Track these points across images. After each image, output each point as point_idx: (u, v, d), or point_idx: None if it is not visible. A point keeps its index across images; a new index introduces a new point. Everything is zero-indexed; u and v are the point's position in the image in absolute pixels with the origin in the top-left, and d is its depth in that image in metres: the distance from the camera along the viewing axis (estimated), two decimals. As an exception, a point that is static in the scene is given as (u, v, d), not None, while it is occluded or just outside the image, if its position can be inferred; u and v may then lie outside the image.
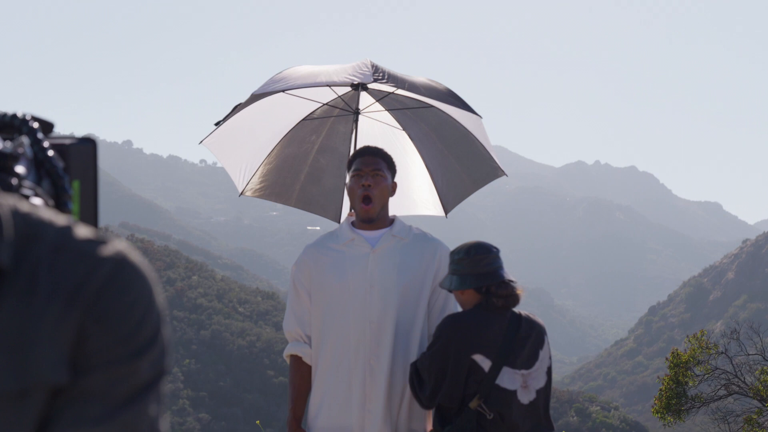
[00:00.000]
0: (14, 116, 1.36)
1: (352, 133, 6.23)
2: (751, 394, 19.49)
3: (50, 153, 1.33)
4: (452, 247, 4.61)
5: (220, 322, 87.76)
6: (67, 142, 1.40)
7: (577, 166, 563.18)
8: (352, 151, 6.00)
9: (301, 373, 4.59)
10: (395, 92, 6.00)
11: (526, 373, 4.46)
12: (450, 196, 6.33)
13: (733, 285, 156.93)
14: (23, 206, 1.22)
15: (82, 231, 1.25)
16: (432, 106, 6.04)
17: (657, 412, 19.29)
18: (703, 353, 19.20)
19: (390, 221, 4.65)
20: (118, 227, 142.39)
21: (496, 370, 4.41)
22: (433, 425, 4.44)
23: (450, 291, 4.49)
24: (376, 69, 5.43)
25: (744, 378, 19.71)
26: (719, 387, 19.57)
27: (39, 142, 1.33)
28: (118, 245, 1.25)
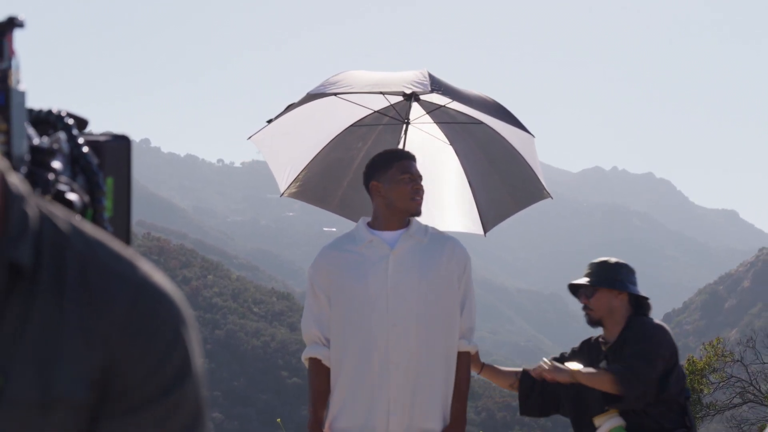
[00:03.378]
0: (50, 112, 1.36)
1: (399, 142, 6.21)
2: (766, 403, 19.43)
3: (85, 149, 1.35)
4: (467, 250, 4.76)
5: (235, 321, 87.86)
6: (102, 139, 1.41)
7: (595, 171, 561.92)
8: None
9: (321, 376, 4.61)
10: (446, 106, 6.01)
11: None
12: (491, 214, 6.34)
13: (749, 293, 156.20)
14: (56, 212, 1.23)
15: (112, 247, 1.24)
16: (482, 122, 6.05)
17: (671, 419, 19.23)
18: (719, 361, 19.14)
19: (407, 222, 4.68)
20: (135, 225, 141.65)
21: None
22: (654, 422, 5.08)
23: (610, 290, 5.22)
24: (433, 80, 5.45)
25: (759, 386, 19.65)
26: (734, 395, 19.52)
27: (74, 138, 1.34)
28: (145, 266, 1.25)
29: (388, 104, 6.25)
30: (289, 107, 6.04)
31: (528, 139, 6.06)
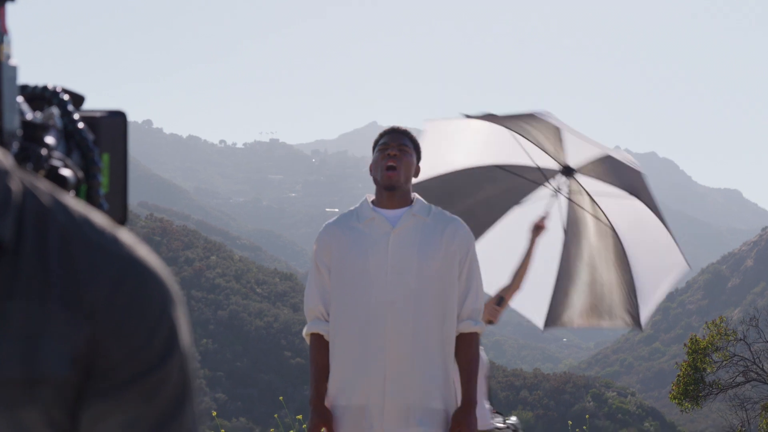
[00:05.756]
0: (45, 88, 1.35)
1: (550, 211, 6.06)
2: (769, 382, 19.43)
3: (80, 125, 1.33)
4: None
5: (238, 302, 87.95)
6: (98, 114, 1.40)
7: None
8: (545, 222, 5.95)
9: (322, 352, 4.59)
10: (602, 181, 5.99)
11: None
12: (647, 309, 6.14)
13: (752, 272, 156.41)
14: (40, 185, 1.20)
15: (96, 221, 1.22)
16: (635, 197, 6.01)
17: (675, 398, 19.25)
18: (722, 340, 19.13)
19: (410, 201, 4.65)
20: (138, 207, 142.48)
21: None
22: None
23: None
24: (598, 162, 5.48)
25: (762, 365, 19.65)
26: (737, 374, 19.52)
27: (69, 113, 1.33)
28: (130, 240, 1.23)
29: (542, 166, 6.21)
30: (490, 116, 6.08)
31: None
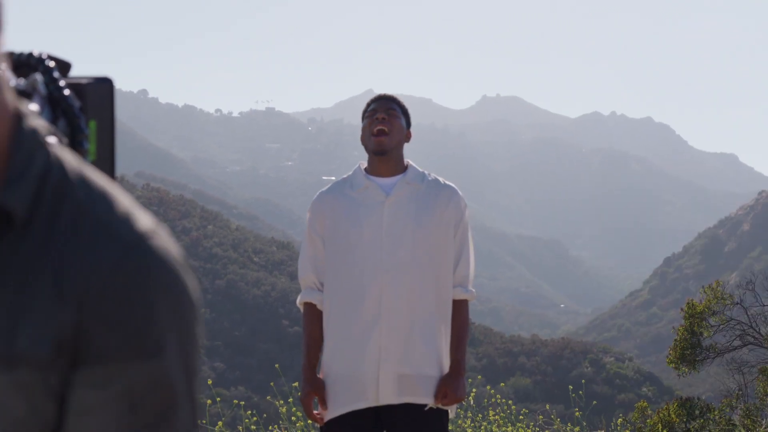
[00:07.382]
0: (30, 55, 1.32)
1: None
2: (765, 345, 19.47)
3: (66, 92, 1.30)
4: (467, 197, 4.68)
5: (235, 271, 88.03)
6: (84, 81, 1.37)
7: (593, 116, 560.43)
8: None
9: (315, 321, 4.59)
10: None
11: None
12: None
13: (749, 236, 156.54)
14: (69, 158, 1.18)
15: (116, 201, 1.17)
16: None
17: (671, 362, 19.28)
18: (719, 304, 19.14)
19: (404, 168, 4.63)
20: (134, 177, 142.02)
21: None
22: None
23: None
24: None
25: (759, 329, 19.66)
26: (734, 338, 19.53)
27: (55, 80, 1.29)
28: (146, 226, 1.18)
29: None
30: None
31: None
